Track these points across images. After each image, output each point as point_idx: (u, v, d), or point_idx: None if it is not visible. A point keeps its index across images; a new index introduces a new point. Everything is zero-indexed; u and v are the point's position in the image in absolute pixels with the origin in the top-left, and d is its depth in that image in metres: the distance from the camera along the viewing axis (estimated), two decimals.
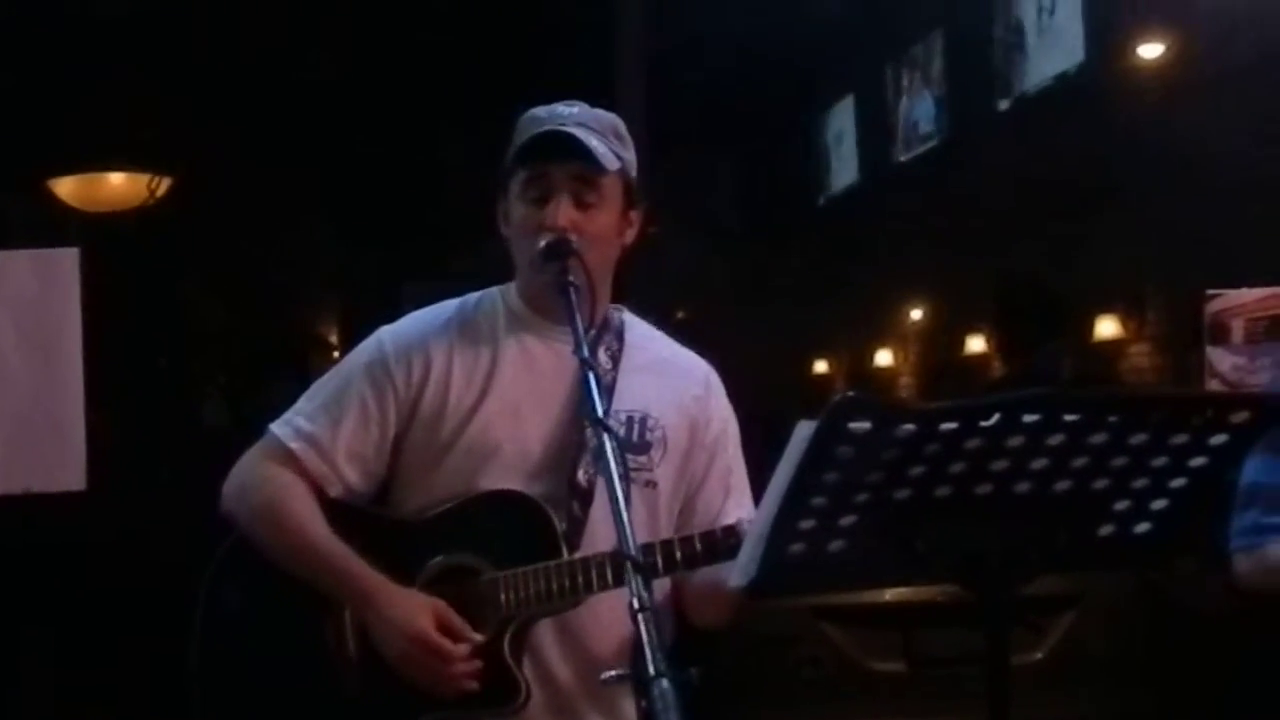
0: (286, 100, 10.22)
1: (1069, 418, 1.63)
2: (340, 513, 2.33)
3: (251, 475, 2.37)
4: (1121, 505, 1.72)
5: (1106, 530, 1.75)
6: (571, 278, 2.25)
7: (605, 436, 2.00)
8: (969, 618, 1.77)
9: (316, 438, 2.33)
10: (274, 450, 2.35)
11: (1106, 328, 9.10)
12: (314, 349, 13.36)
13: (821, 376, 13.78)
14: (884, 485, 1.64)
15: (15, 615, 5.66)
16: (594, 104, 2.42)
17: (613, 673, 1.83)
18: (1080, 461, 1.67)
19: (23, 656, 5.68)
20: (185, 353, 12.20)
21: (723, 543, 2.21)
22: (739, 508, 2.42)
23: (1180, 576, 5.61)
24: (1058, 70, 9.76)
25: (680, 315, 11.06)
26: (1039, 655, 5.08)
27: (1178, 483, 1.70)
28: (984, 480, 1.66)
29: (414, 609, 2.24)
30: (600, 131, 2.33)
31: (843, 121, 13.63)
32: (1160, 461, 1.68)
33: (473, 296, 2.46)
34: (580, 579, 2.23)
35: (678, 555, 2.24)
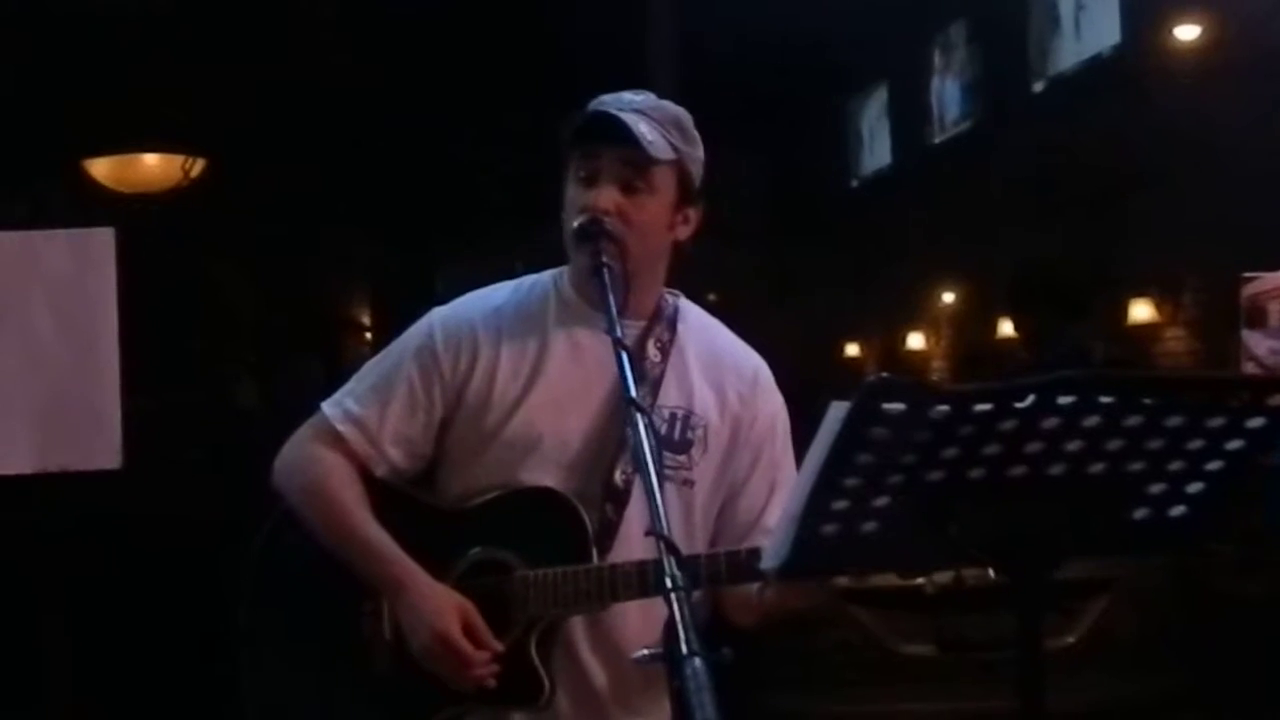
0: (320, 85, 10.23)
1: (1104, 399, 1.61)
2: (385, 495, 2.36)
3: (300, 454, 2.39)
4: (1157, 488, 1.71)
5: (1141, 514, 1.73)
6: (605, 259, 2.24)
7: (638, 417, 1.99)
8: (999, 601, 1.76)
9: (364, 420, 2.35)
10: (323, 430, 2.38)
11: (1141, 312, 9.07)
12: (345, 331, 13.41)
13: (853, 360, 13.76)
14: (917, 467, 1.63)
15: (46, 592, 5.69)
16: None
17: (645, 651, 1.83)
18: (1115, 444, 1.65)
19: (50, 633, 5.72)
20: (217, 334, 12.25)
21: (748, 567, 2.19)
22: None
23: (1216, 561, 5.60)
24: (1092, 52, 9.71)
25: (712, 298, 11.05)
26: (1071, 639, 5.07)
27: (1214, 466, 1.68)
28: (1018, 462, 1.64)
29: (443, 608, 2.26)
30: (660, 121, 2.31)
31: (877, 105, 13.59)
32: (1196, 444, 1.66)
33: (526, 280, 2.45)
34: (607, 587, 2.24)
35: (702, 573, 2.21)
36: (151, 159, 9.10)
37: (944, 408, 1.59)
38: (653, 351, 2.35)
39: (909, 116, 12.68)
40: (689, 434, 2.36)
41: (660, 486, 1.92)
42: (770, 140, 13.67)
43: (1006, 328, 10.71)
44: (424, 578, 2.29)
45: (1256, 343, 3.68)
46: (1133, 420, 1.63)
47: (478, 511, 2.34)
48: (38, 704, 5.36)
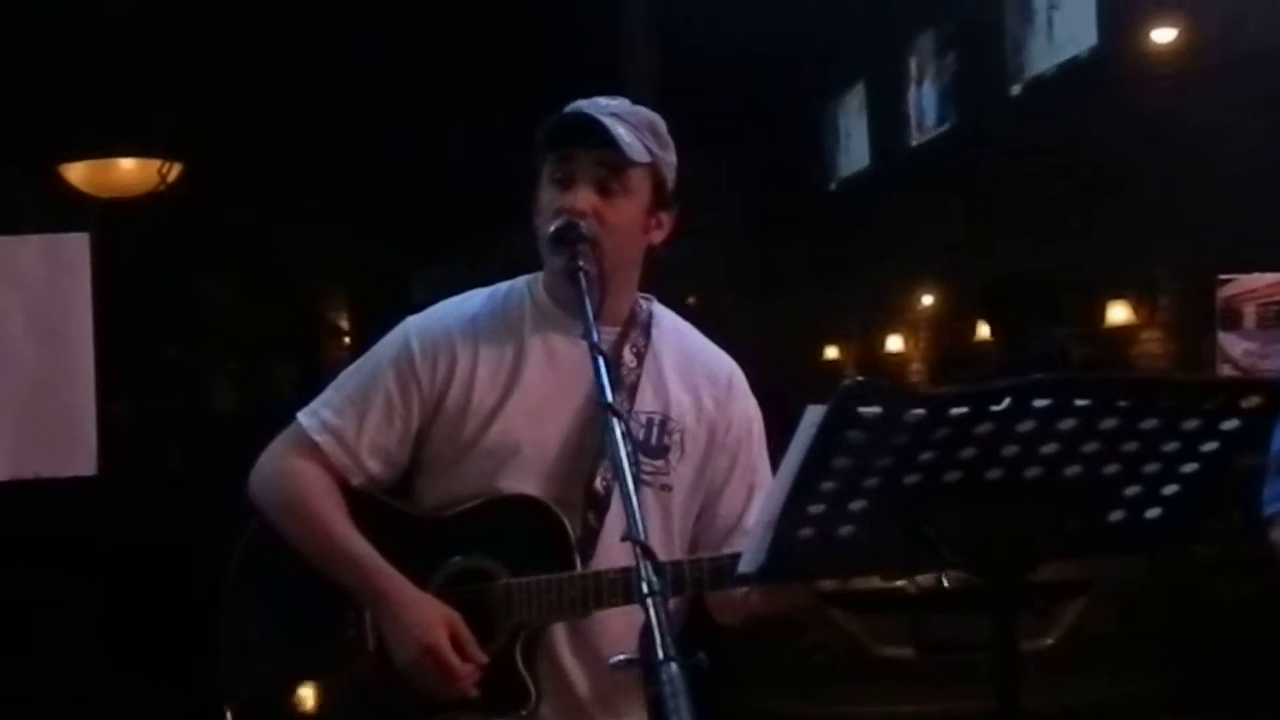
0: (296, 89, 10.21)
1: (1080, 402, 1.62)
2: (363, 505, 2.34)
3: (277, 466, 2.38)
4: (1132, 490, 1.72)
5: (1117, 515, 1.74)
6: (581, 263, 2.23)
7: (615, 422, 1.99)
8: (978, 603, 1.76)
9: (341, 431, 2.34)
10: (299, 441, 2.36)
11: (1118, 313, 9.09)
12: (324, 336, 13.39)
13: (831, 363, 13.77)
14: (893, 470, 1.64)
15: (29, 599, 5.68)
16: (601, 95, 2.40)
17: (622, 657, 1.83)
18: (1091, 446, 1.66)
19: (36, 641, 5.70)
20: (195, 339, 12.22)
21: (729, 572, 2.18)
22: None
23: (1194, 562, 5.61)
24: (1069, 55, 9.73)
25: (690, 301, 11.05)
26: (1049, 641, 5.08)
27: (1189, 468, 1.70)
28: (994, 465, 1.65)
29: (429, 619, 2.25)
30: (635, 125, 2.31)
31: (854, 108, 13.61)
32: (1171, 446, 1.67)
33: (501, 287, 2.44)
34: (592, 594, 2.24)
35: (687, 577, 2.22)
36: (128, 163, 9.07)
37: (920, 411, 1.60)
38: (629, 357, 2.35)
39: (887, 118, 12.69)
40: (665, 439, 2.36)
41: (638, 491, 1.92)
42: (748, 142, 13.68)
43: (985, 330, 10.72)
44: (409, 588, 2.27)
45: (1232, 344, 3.70)
46: (1108, 423, 1.64)
47: (458, 520, 2.33)
48: (28, 710, 5.35)
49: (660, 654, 1.65)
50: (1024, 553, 1.72)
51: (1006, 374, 1.68)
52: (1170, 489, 1.72)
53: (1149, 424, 1.65)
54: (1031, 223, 9.71)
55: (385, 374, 2.36)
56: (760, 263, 13.51)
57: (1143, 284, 8.96)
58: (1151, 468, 1.70)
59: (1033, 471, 1.67)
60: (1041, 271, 8.66)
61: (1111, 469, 1.69)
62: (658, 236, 2.38)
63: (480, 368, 2.34)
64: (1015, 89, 10.44)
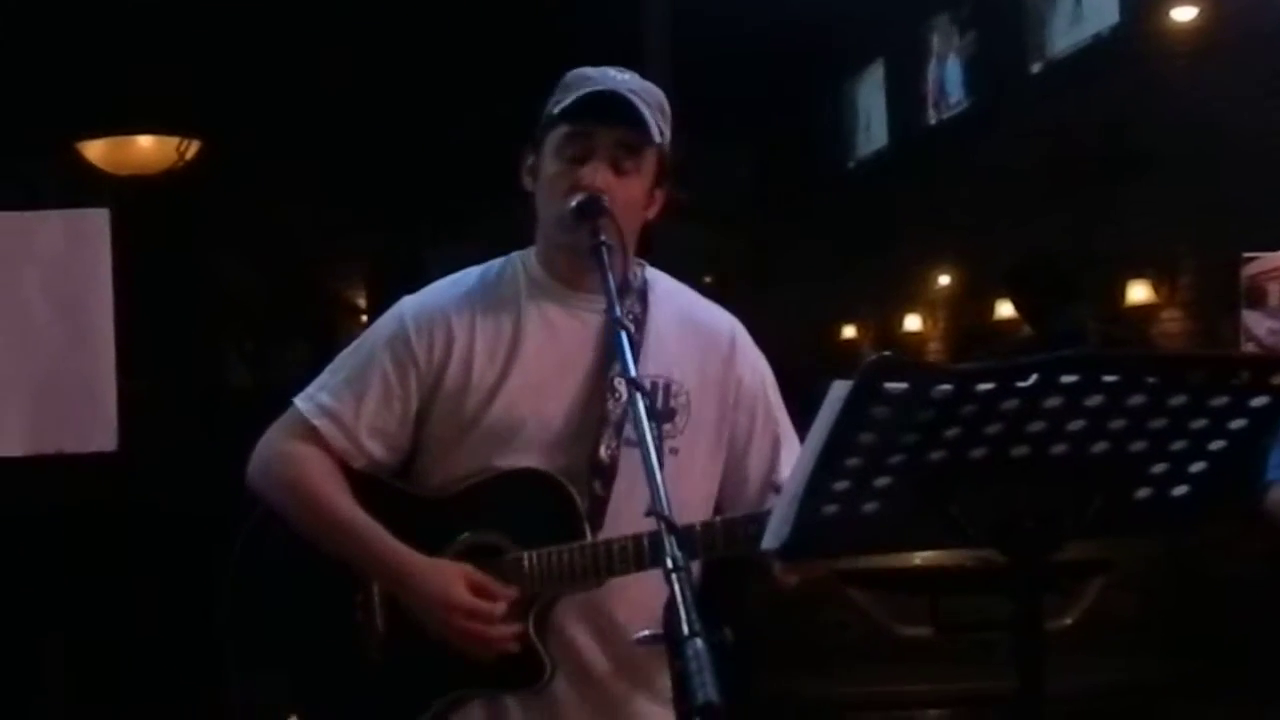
0: (315, 68, 10.20)
1: (1108, 379, 1.60)
2: (365, 487, 2.33)
3: (276, 451, 2.36)
4: (1159, 468, 1.70)
5: (1143, 493, 1.73)
6: (603, 237, 2.22)
7: (638, 397, 1.98)
8: (996, 582, 1.75)
9: (340, 414, 2.32)
10: (298, 426, 2.35)
11: (1138, 293, 9.05)
12: (341, 313, 13.40)
13: (849, 342, 13.74)
14: (919, 447, 1.63)
15: (44, 574, 5.69)
16: None
17: (646, 632, 1.82)
18: (1118, 423, 1.64)
19: (49, 614, 5.72)
20: (213, 316, 12.23)
21: (742, 530, 2.19)
22: (793, 454, 2.38)
23: (1209, 542, 5.59)
24: (1090, 33, 9.68)
25: (707, 281, 11.04)
26: (1068, 620, 5.07)
27: (1217, 445, 1.68)
28: (1020, 442, 1.64)
29: (446, 578, 2.24)
30: (649, 104, 2.31)
31: (873, 86, 13.55)
32: (1199, 424, 1.66)
33: (494, 264, 2.43)
34: (604, 562, 2.23)
35: (698, 543, 2.21)
36: (146, 141, 9.08)
37: (946, 387, 1.58)
38: (626, 322, 2.33)
39: (906, 98, 12.63)
40: (671, 402, 2.35)
41: (661, 465, 1.91)
42: (766, 122, 13.64)
43: (1003, 310, 10.68)
44: (420, 558, 2.26)
45: (1256, 323, 3.68)
46: (1136, 399, 1.63)
47: (463, 497, 2.32)
48: (35, 689, 5.36)
49: (685, 629, 1.65)
50: (1049, 531, 1.71)
51: (1035, 352, 1.67)
52: (1197, 467, 1.70)
53: (1177, 401, 1.63)
54: (1051, 202, 9.66)
55: (381, 355, 2.34)
56: (777, 243, 13.47)
57: (1163, 263, 8.92)
58: (1179, 445, 1.68)
59: (1059, 448, 1.65)
60: (1061, 250, 8.63)
61: (1138, 446, 1.67)
62: (652, 213, 2.38)
63: (478, 344, 2.33)
64: (1035, 67, 10.38)
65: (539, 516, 2.28)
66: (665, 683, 2.29)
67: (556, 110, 2.30)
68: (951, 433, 1.62)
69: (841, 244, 12.94)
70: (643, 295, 2.39)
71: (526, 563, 2.26)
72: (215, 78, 9.53)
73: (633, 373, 2.04)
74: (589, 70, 2.35)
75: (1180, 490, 1.73)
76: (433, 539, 2.29)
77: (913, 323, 12.73)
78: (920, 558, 5.12)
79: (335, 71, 10.32)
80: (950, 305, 12.31)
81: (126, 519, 6.36)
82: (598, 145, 2.28)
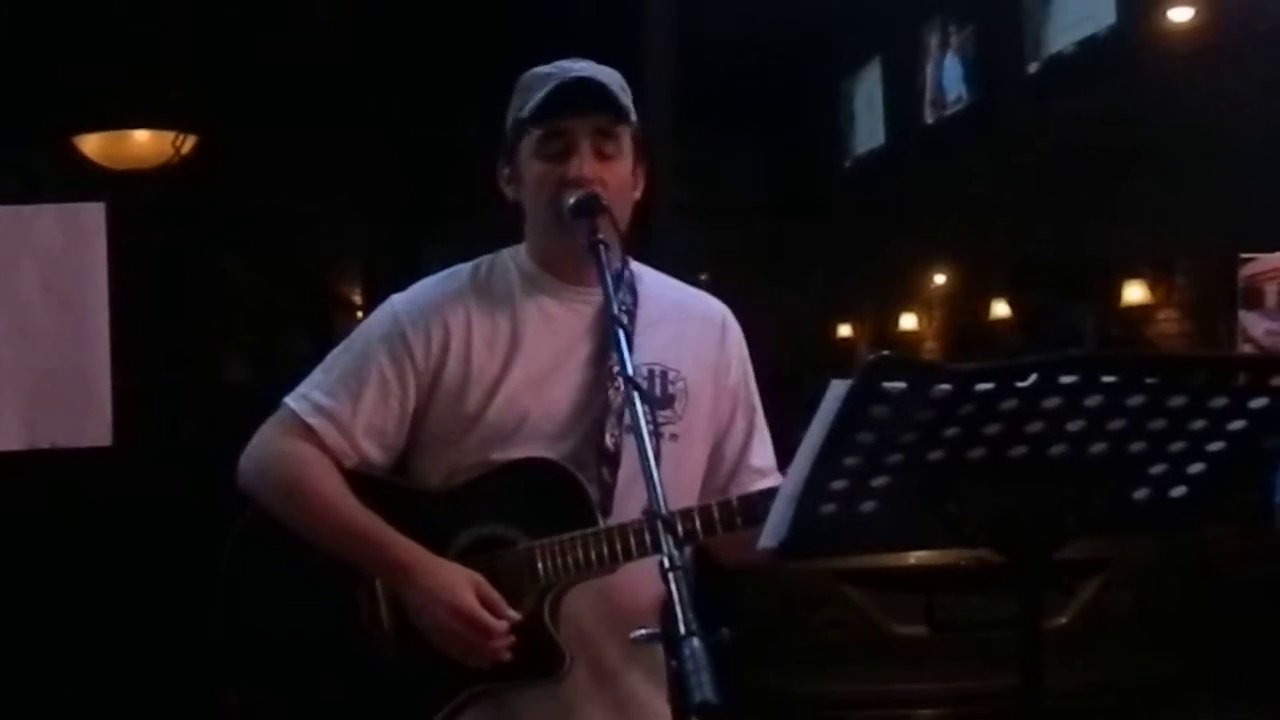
0: (312, 63, 10.19)
1: (1107, 379, 1.60)
2: (363, 485, 2.30)
3: (272, 451, 2.32)
4: (1158, 469, 1.70)
5: (1142, 494, 1.72)
6: (601, 235, 2.21)
7: (635, 396, 1.97)
8: (992, 582, 1.75)
9: (335, 413, 2.29)
10: (291, 425, 2.31)
11: (1135, 293, 9.06)
12: (338, 309, 13.39)
13: (846, 341, 13.75)
14: (917, 446, 1.62)
15: (39, 571, 5.68)
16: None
17: (643, 631, 1.82)
18: (1117, 424, 1.64)
19: (46, 611, 5.70)
20: (210, 312, 12.21)
21: (760, 504, 2.17)
22: (763, 444, 2.42)
23: (1206, 541, 5.60)
24: (1087, 33, 9.68)
25: (704, 278, 11.03)
26: (1064, 619, 5.07)
27: (1216, 446, 1.67)
28: (1019, 442, 1.63)
29: (455, 582, 2.21)
30: (612, 84, 2.31)
31: (871, 85, 13.56)
32: (1198, 424, 1.65)
33: (484, 260, 2.41)
34: (619, 546, 2.21)
35: (716, 519, 2.21)
36: (142, 135, 9.05)
37: (945, 386, 1.58)
38: (623, 318, 2.33)
39: (903, 97, 12.64)
40: (669, 388, 2.34)
41: (657, 458, 1.90)
42: (764, 120, 13.63)
43: (999, 309, 10.70)
44: (429, 556, 2.23)
45: (1253, 324, 3.67)
46: (1135, 400, 1.62)
47: (468, 490, 2.29)
48: (37, 688, 5.35)
49: (682, 628, 1.64)
50: (1049, 530, 1.70)
51: (1032, 353, 1.66)
52: (1196, 468, 1.70)
53: (1177, 402, 1.63)
54: (1048, 201, 9.67)
55: (376, 353, 2.31)
56: (776, 241, 13.48)
57: (1160, 263, 8.93)
58: (1178, 446, 1.68)
59: (1058, 449, 1.65)
60: (1058, 251, 8.64)
61: (1137, 447, 1.67)
62: (638, 192, 2.38)
63: (475, 338, 2.31)
64: (1033, 67, 10.38)
65: (549, 506, 2.25)
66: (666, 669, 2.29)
67: (524, 113, 2.29)
68: (950, 432, 1.62)
69: (838, 243, 12.95)
70: (632, 287, 2.38)
71: (539, 553, 2.24)
72: (211, 73, 9.51)
73: (630, 371, 2.03)
74: (542, 68, 2.33)
75: (1179, 491, 1.73)
76: (438, 534, 2.27)
77: (909, 321, 12.74)
78: (916, 557, 5.13)
79: (332, 67, 10.30)
80: (947, 304, 12.33)
81: (122, 515, 6.34)
82: (577, 137, 2.26)
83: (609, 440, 2.27)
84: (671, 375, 2.35)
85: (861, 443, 1.60)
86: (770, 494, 2.07)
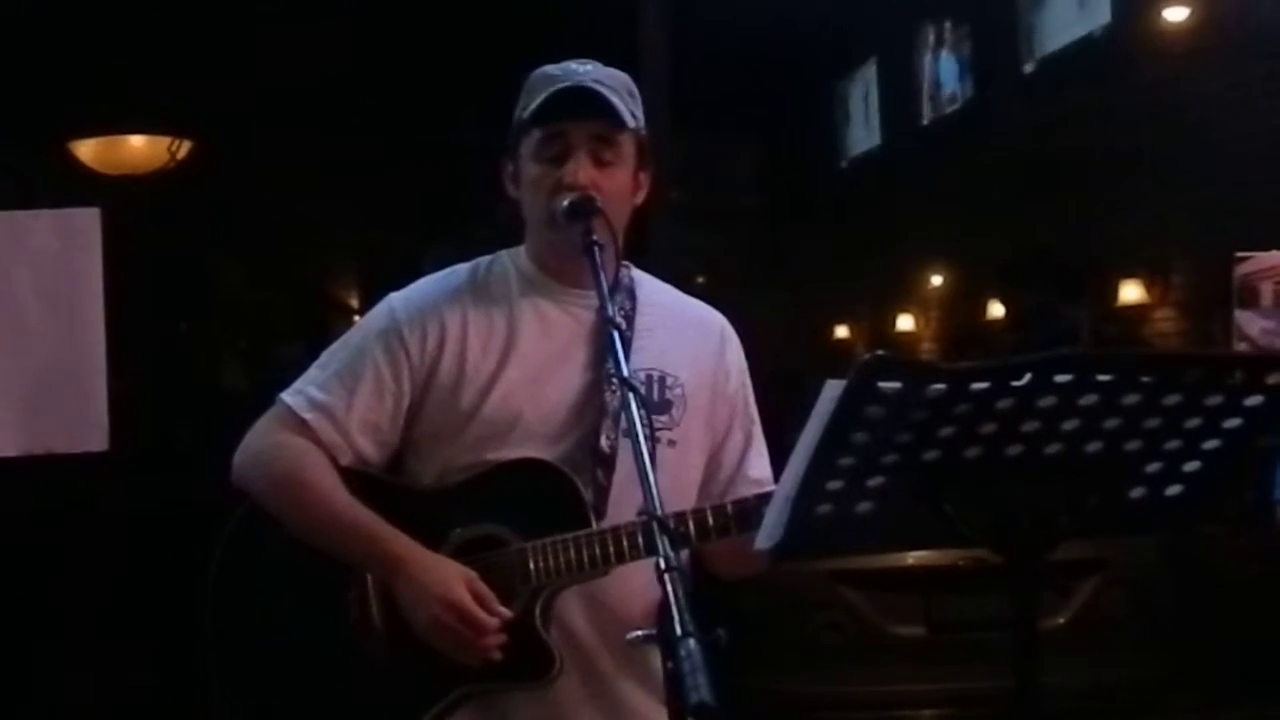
0: (307, 66, 10.19)
1: (1102, 378, 1.60)
2: (357, 482, 2.29)
3: (265, 445, 2.32)
4: (1153, 467, 1.70)
5: (1138, 493, 1.72)
6: (596, 237, 2.22)
7: (631, 397, 1.97)
8: (989, 582, 1.75)
9: (330, 408, 2.29)
10: (287, 420, 2.31)
11: (1130, 292, 9.06)
12: (334, 312, 13.38)
13: (842, 342, 13.75)
14: (913, 446, 1.62)
15: (35, 576, 5.68)
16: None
17: (639, 633, 1.81)
18: (1112, 422, 1.64)
19: (41, 616, 5.71)
20: (206, 316, 12.21)
21: (755, 511, 2.17)
22: (760, 456, 2.42)
23: (1203, 541, 5.60)
24: (1083, 32, 9.68)
25: (700, 280, 11.03)
26: (1062, 620, 5.07)
27: (1211, 444, 1.67)
28: (1014, 441, 1.63)
29: (448, 577, 2.20)
30: (616, 90, 2.31)
31: (866, 85, 13.56)
32: (1194, 423, 1.65)
33: (483, 260, 2.42)
34: (612, 548, 2.20)
35: (710, 523, 2.21)
36: (137, 140, 9.05)
37: (941, 386, 1.58)
38: (618, 320, 2.32)
39: (899, 97, 12.64)
40: (667, 394, 2.34)
41: (653, 462, 1.90)
42: (760, 122, 13.64)
43: (996, 309, 10.70)
44: (422, 551, 2.23)
45: (1249, 322, 3.66)
46: (1130, 399, 1.62)
47: (462, 489, 2.29)
48: (29, 686, 5.35)
49: (679, 630, 1.64)
50: (1044, 530, 1.70)
51: (1027, 353, 1.66)
52: (1192, 466, 1.70)
53: (1171, 400, 1.63)
54: (1043, 201, 9.67)
55: (373, 349, 2.32)
56: (772, 243, 13.48)
57: (1155, 263, 8.93)
58: (1173, 444, 1.68)
59: (1053, 448, 1.65)
60: (1054, 250, 8.65)
61: (1133, 445, 1.67)
62: (640, 198, 2.38)
63: (471, 337, 2.32)
64: (1028, 67, 10.39)
65: (542, 507, 2.25)
66: (658, 674, 2.29)
67: (526, 114, 2.30)
68: (946, 432, 1.61)
69: (834, 244, 12.95)
70: (631, 292, 2.38)
71: (531, 553, 2.23)
72: (207, 77, 9.51)
73: (626, 373, 2.03)
74: (549, 68, 2.34)
75: (1175, 490, 1.72)
76: (431, 532, 2.26)
77: (906, 322, 12.74)
78: (913, 557, 5.13)
79: (330, 70, 10.30)
80: (943, 304, 12.33)
81: (119, 520, 6.34)
82: (574, 142, 2.27)
83: (604, 443, 2.27)
84: (669, 381, 2.35)
85: (857, 443, 1.60)
86: (764, 499, 2.08)
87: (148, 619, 5.83)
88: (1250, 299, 3.77)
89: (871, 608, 5.28)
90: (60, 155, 8.90)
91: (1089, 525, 1.77)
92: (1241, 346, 3.71)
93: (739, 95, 12.22)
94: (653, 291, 2.43)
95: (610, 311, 2.14)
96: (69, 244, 3.08)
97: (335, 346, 2.39)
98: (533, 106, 2.29)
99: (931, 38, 12.11)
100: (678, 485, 2.29)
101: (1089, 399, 1.61)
